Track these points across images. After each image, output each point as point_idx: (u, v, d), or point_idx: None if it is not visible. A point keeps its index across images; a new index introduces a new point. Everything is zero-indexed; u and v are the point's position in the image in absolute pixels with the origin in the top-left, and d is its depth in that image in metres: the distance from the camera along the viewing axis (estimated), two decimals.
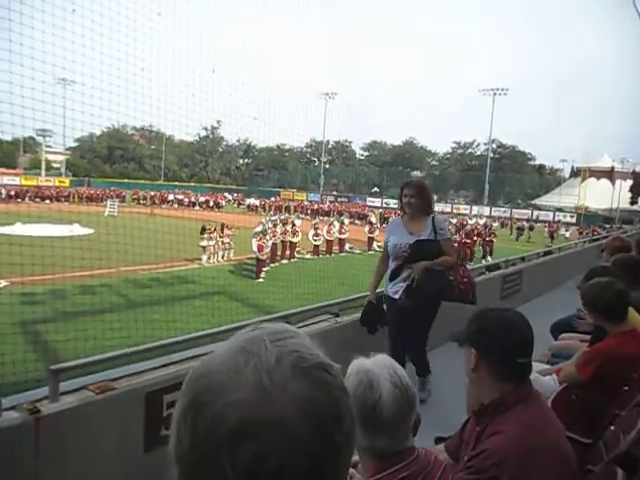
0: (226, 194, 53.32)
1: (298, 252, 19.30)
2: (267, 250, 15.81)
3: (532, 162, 76.13)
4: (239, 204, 48.13)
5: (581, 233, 32.14)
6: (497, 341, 1.70)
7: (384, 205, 51.05)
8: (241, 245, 16.57)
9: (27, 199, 38.74)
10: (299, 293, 11.12)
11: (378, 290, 4.38)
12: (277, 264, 17.33)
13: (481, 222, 31.75)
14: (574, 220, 47.61)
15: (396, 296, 4.03)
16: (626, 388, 2.48)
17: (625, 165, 63.25)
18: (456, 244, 18.90)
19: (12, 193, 39.30)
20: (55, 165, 65.86)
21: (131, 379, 2.74)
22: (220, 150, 78.79)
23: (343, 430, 0.54)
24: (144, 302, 10.57)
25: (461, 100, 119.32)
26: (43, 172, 56.47)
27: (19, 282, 9.95)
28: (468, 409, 1.97)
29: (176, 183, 62.78)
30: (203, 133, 74.54)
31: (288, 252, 18.52)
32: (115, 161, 70.81)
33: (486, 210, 52.78)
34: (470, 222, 30.81)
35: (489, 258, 20.03)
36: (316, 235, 19.98)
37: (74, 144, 67.31)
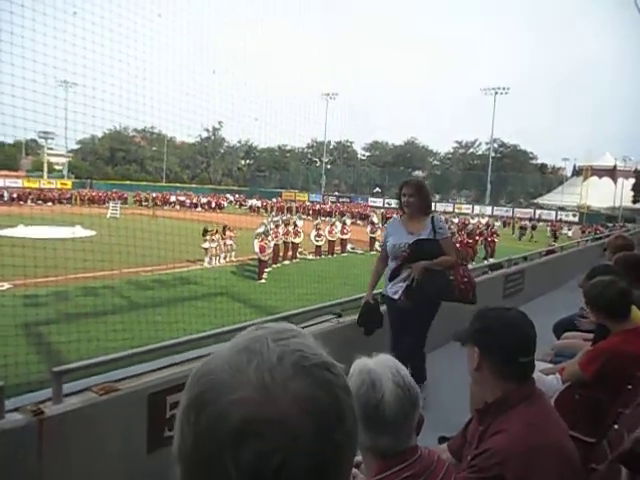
0: (228, 195, 53.36)
1: (300, 253, 19.29)
2: (269, 251, 15.81)
3: (534, 161, 76.02)
4: (241, 205, 48.17)
5: (584, 232, 32.05)
6: (499, 340, 1.70)
7: (386, 205, 50.99)
8: (243, 246, 16.58)
9: (29, 201, 38.77)
10: (301, 294, 11.12)
11: (377, 290, 4.37)
12: (279, 265, 17.33)
13: (483, 221, 31.73)
14: (576, 219, 47.54)
15: (395, 296, 4.00)
16: (630, 386, 2.47)
17: (627, 163, 63.16)
18: (458, 244, 18.91)
19: (14, 195, 39.37)
20: (57, 167, 66.01)
21: (134, 380, 2.75)
22: (221, 151, 78.86)
23: (345, 429, 0.54)
24: (146, 303, 10.58)
25: (462, 100, 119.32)
26: (45, 174, 56.54)
27: (22, 284, 9.98)
28: (471, 408, 1.97)
29: (178, 184, 62.89)
30: (204, 134, 74.68)
31: (290, 253, 18.51)
32: (117, 163, 70.94)
33: (488, 209, 52.73)
34: (472, 221, 30.80)
35: (491, 260, 20.00)
36: (318, 236, 19.97)
37: (76, 146, 67.49)
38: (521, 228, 34.93)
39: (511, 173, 68.34)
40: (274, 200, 49.36)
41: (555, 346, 4.04)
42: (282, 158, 79.60)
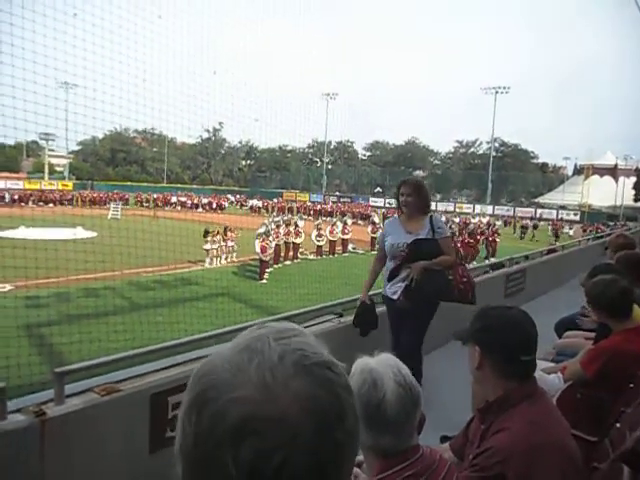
0: (229, 196, 53.40)
1: (301, 253, 19.29)
2: (270, 251, 15.82)
3: (535, 160, 75.96)
4: (242, 205, 48.20)
5: (585, 231, 32.00)
6: (501, 338, 1.70)
7: (387, 205, 50.99)
8: (244, 246, 16.59)
9: (31, 203, 38.83)
10: (302, 294, 11.12)
11: (377, 291, 4.35)
12: (280, 265, 17.34)
13: (484, 221, 31.72)
14: (577, 218, 47.49)
15: (394, 296, 3.96)
16: (631, 385, 2.47)
17: (628, 162, 63.08)
18: (460, 244, 18.91)
19: (16, 197, 39.46)
20: (58, 169, 66.05)
21: (136, 381, 2.75)
22: (222, 152, 78.90)
23: (346, 428, 0.54)
24: (148, 304, 10.58)
25: (463, 100, 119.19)
26: (46, 176, 56.59)
27: (23, 285, 9.98)
28: (473, 407, 1.97)
29: (179, 185, 62.98)
30: (205, 135, 74.72)
31: (291, 253, 18.51)
32: (118, 164, 71.01)
33: (489, 209, 52.71)
34: (473, 221, 30.79)
35: (492, 259, 19.98)
36: (319, 236, 19.98)
37: (77, 147, 67.63)
38: (522, 227, 34.91)
39: (512, 172, 68.30)
40: (275, 200, 49.39)
41: (557, 345, 4.04)
42: (283, 158, 79.64)
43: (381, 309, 4.37)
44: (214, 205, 44.23)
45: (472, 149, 77.53)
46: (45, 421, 2.30)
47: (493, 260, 15.62)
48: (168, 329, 6.96)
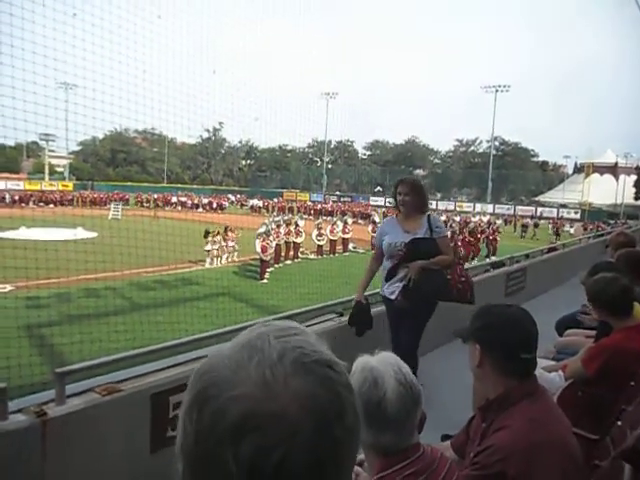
0: (229, 195, 53.42)
1: (302, 252, 19.30)
2: (271, 251, 15.83)
3: (535, 159, 75.93)
4: (242, 205, 48.22)
5: (586, 229, 31.98)
6: (501, 336, 1.70)
7: (387, 204, 50.98)
8: (245, 246, 16.60)
9: (31, 203, 38.88)
10: (303, 293, 11.13)
11: (375, 291, 4.34)
12: (281, 265, 17.35)
13: (485, 220, 31.71)
14: (578, 216, 47.46)
15: (392, 296, 3.93)
16: (632, 383, 2.47)
17: (629, 160, 63.01)
18: (460, 242, 18.91)
19: (16, 198, 39.46)
20: (58, 169, 66.06)
21: (137, 381, 2.75)
22: (222, 152, 78.90)
23: (345, 426, 0.54)
24: (148, 304, 10.59)
25: (463, 99, 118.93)
26: (47, 176, 56.62)
27: (24, 286, 9.99)
28: (474, 406, 1.97)
29: (179, 185, 62.94)
30: (205, 135, 74.72)
31: (292, 252, 18.52)
32: (118, 164, 71.02)
33: (489, 208, 52.65)
34: (474, 220, 30.78)
35: (493, 258, 19.98)
36: (319, 235, 19.98)
37: (77, 148, 67.61)
38: (523, 226, 34.90)
39: (512, 171, 68.28)
40: (275, 200, 49.38)
41: (557, 343, 4.03)
42: (283, 158, 79.64)
43: (378, 309, 4.37)
44: (214, 205, 44.24)
45: (472, 148, 77.52)
46: (46, 421, 2.30)
47: (494, 258, 15.62)
48: (169, 329, 6.96)
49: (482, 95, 63.05)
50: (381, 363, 1.42)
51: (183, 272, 14.79)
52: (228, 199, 49.71)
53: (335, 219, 23.48)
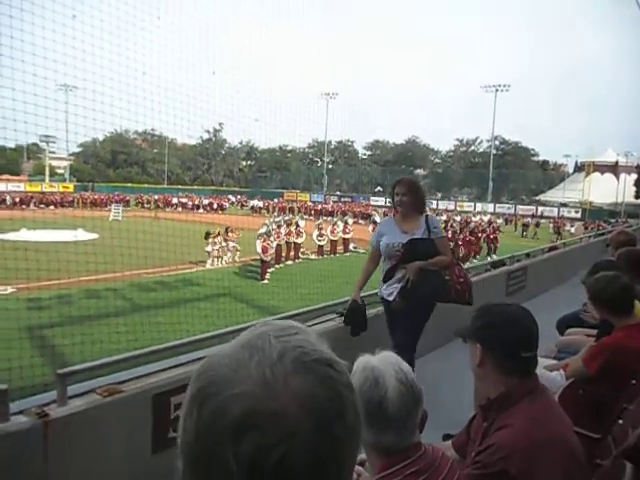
0: (229, 196, 53.39)
1: (302, 253, 19.29)
2: (271, 251, 15.83)
3: (535, 158, 75.82)
4: (242, 206, 48.20)
5: (586, 228, 31.96)
6: (501, 335, 1.70)
7: (388, 204, 50.95)
8: (245, 247, 16.60)
9: (32, 205, 38.89)
10: (304, 293, 11.14)
11: (373, 291, 4.34)
12: (282, 265, 17.34)
13: (485, 219, 31.68)
14: (579, 215, 47.43)
15: (390, 298, 3.91)
16: (634, 382, 2.46)
17: (629, 159, 62.89)
18: (461, 242, 18.91)
19: (17, 199, 39.47)
20: (59, 171, 66.12)
21: (138, 382, 2.75)
22: (222, 152, 78.88)
23: (346, 425, 0.54)
24: (149, 305, 10.60)
25: (463, 99, 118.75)
26: (47, 178, 56.64)
27: (25, 288, 10.00)
28: (475, 405, 1.97)
29: (179, 186, 62.97)
30: (205, 136, 74.62)
31: (292, 253, 18.52)
32: (118, 166, 71.03)
33: (490, 207, 52.61)
34: (474, 219, 30.77)
35: (494, 257, 19.97)
36: (320, 235, 19.98)
37: (77, 149, 67.55)
38: (524, 225, 34.87)
39: (513, 170, 68.23)
40: (276, 200, 49.40)
41: (559, 342, 4.03)
42: (283, 158, 79.62)
43: (376, 310, 4.36)
44: (215, 206, 44.22)
45: (472, 147, 77.47)
46: (48, 422, 2.31)
47: (495, 258, 15.62)
48: (170, 330, 6.96)
49: (482, 95, 63.06)
50: (382, 362, 1.42)
51: (184, 273, 14.79)
52: (228, 200, 49.68)
53: (336, 219, 23.47)
